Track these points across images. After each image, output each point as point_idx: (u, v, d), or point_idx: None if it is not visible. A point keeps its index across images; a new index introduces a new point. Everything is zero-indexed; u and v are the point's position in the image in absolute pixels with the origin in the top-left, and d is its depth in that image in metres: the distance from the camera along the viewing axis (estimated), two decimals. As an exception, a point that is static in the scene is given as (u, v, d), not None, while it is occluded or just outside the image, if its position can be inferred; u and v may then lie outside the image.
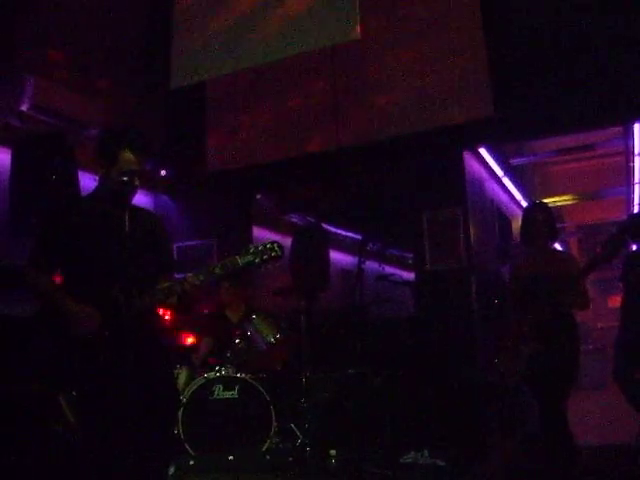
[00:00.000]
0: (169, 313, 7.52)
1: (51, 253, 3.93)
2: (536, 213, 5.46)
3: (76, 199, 4.20)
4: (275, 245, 4.04)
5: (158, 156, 9.20)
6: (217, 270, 3.92)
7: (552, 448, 5.08)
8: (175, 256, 9.33)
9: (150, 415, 3.81)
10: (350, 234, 13.00)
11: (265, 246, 4.02)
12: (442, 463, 6.13)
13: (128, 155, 3.88)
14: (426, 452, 6.29)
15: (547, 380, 5.07)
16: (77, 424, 4.08)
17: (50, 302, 3.85)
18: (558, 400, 5.10)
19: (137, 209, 4.12)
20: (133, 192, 3.97)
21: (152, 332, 4.09)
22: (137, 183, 3.94)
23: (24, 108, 7.20)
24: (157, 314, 4.33)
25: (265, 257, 4.00)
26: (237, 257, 3.96)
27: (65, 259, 3.92)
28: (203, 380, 6.47)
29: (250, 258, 3.97)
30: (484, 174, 9.53)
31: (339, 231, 12.83)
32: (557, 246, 5.64)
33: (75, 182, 6.16)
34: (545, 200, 11.85)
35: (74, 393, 3.92)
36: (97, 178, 4.05)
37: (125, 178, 3.87)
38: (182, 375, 6.83)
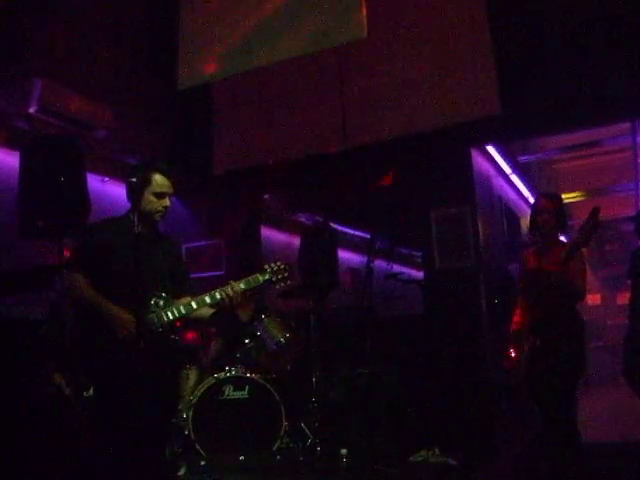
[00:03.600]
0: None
1: (88, 262, 4.28)
2: (543, 202, 5.38)
3: (108, 219, 4.54)
4: (287, 266, 4.51)
5: (166, 157, 9.22)
6: (242, 285, 4.35)
7: (557, 445, 5.04)
8: (184, 257, 9.36)
9: (151, 418, 4.01)
10: (358, 233, 12.99)
11: (279, 267, 4.47)
12: (453, 462, 6.13)
13: (160, 177, 4.32)
14: (437, 451, 6.29)
15: (548, 377, 5.02)
16: (89, 423, 4.24)
17: (90, 304, 4.14)
18: (561, 397, 5.05)
19: (161, 233, 4.58)
20: (163, 212, 4.39)
21: (171, 342, 4.40)
22: (167, 203, 4.38)
23: (32, 111, 7.21)
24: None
25: (280, 277, 4.45)
26: (258, 275, 4.42)
27: (97, 273, 4.24)
28: (213, 380, 6.49)
29: (268, 277, 4.43)
30: (492, 172, 9.52)
31: (347, 230, 12.82)
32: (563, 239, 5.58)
33: (83, 184, 6.17)
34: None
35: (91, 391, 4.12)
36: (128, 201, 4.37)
37: (158, 199, 4.31)
38: (192, 375, 6.85)
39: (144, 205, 4.26)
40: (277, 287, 4.50)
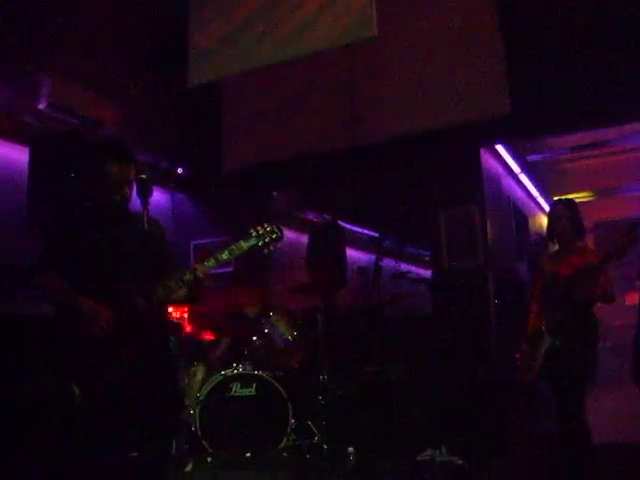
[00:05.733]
0: (187, 310, 7.54)
1: (59, 258, 4.00)
2: (560, 209, 5.42)
3: (79, 208, 4.30)
4: (274, 227, 4.21)
5: (175, 154, 9.23)
6: (224, 255, 4.09)
7: (568, 445, 5.07)
8: (192, 253, 9.36)
9: (150, 411, 3.82)
10: (367, 232, 12.97)
11: (265, 229, 4.18)
12: (459, 461, 6.12)
13: (113, 168, 3.94)
14: (444, 449, 6.27)
15: (563, 376, 5.06)
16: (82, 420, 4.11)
17: (63, 302, 3.88)
18: (574, 396, 5.08)
19: (134, 213, 4.11)
20: (127, 202, 4.04)
21: (161, 327, 4.17)
22: (127, 192, 3.99)
23: (41, 107, 7.22)
24: (166, 310, 4.40)
25: (267, 240, 4.17)
26: (242, 241, 4.13)
27: (72, 264, 3.96)
28: (221, 377, 6.48)
29: (253, 241, 4.15)
30: (501, 171, 9.51)
31: (356, 229, 12.80)
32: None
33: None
34: (562, 197, 11.81)
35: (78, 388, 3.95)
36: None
37: (115, 191, 3.96)
38: (199, 372, 6.85)
39: (102, 199, 4.03)
40: (266, 251, 4.19)
